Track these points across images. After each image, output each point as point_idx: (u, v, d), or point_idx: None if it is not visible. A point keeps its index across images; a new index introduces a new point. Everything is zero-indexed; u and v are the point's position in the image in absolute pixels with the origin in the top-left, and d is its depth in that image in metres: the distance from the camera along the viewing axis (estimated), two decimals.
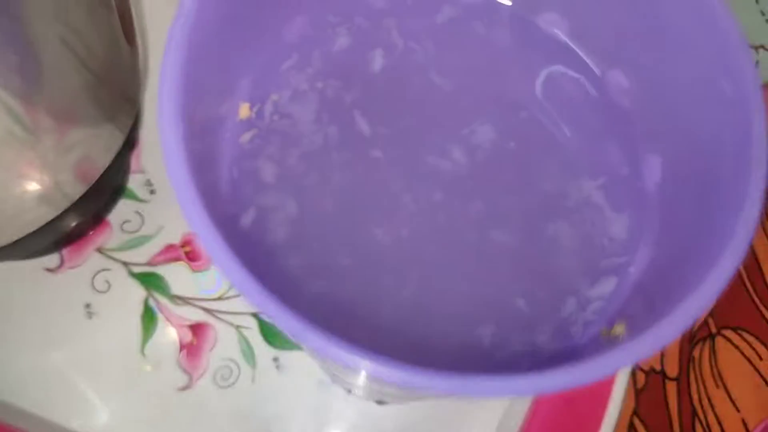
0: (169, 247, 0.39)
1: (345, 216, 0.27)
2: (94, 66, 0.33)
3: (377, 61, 0.29)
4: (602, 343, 0.25)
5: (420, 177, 0.28)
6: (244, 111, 0.27)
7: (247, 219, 0.26)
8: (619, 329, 0.24)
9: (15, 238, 0.33)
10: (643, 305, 0.25)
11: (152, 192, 0.39)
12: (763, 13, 0.40)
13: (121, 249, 0.39)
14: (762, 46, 0.40)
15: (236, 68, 0.27)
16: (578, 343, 0.26)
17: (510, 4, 0.30)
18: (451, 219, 0.27)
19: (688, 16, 0.25)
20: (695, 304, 0.22)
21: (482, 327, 0.26)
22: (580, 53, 0.29)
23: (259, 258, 0.26)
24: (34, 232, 0.34)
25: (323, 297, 0.25)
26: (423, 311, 0.26)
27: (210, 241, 0.20)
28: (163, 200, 0.39)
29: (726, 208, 0.23)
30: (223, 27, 0.24)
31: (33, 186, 0.33)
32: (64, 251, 0.38)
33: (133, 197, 0.39)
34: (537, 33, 0.30)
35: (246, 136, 0.27)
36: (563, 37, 0.29)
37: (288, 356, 0.36)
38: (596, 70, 0.29)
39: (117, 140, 0.36)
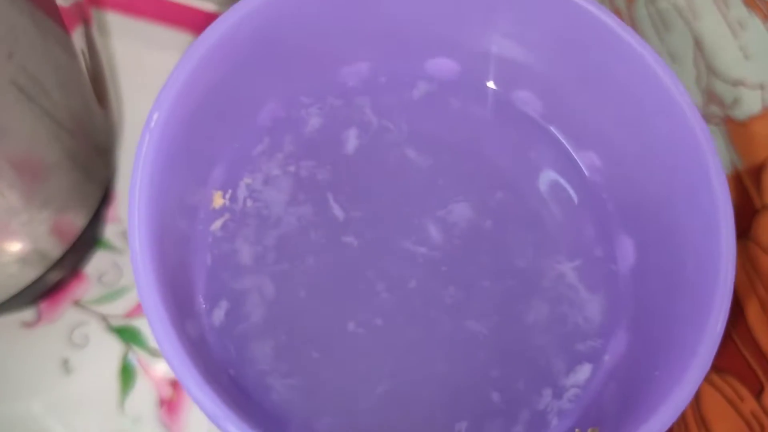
0: None
1: (318, 308, 0.27)
2: (62, 118, 0.33)
3: (351, 141, 0.30)
4: None
5: (394, 263, 0.28)
6: (218, 200, 0.28)
7: (220, 312, 0.27)
8: None
9: None
10: (617, 398, 0.26)
11: None
12: (741, 49, 0.41)
13: (98, 302, 0.39)
14: (741, 82, 0.40)
15: (208, 160, 0.27)
16: None
17: (489, 83, 0.30)
18: (426, 307, 0.28)
19: (657, 114, 0.25)
20: (667, 415, 0.22)
21: (458, 421, 0.26)
22: (555, 132, 0.30)
23: (232, 351, 0.26)
24: (15, 295, 0.34)
25: (295, 393, 0.26)
26: (398, 406, 0.26)
27: (178, 366, 0.20)
28: None
29: (695, 310, 0.24)
30: (195, 127, 0.25)
31: (12, 248, 0.33)
32: (41, 305, 0.38)
33: (110, 248, 0.40)
34: (512, 111, 0.30)
35: (218, 223, 0.28)
36: (537, 117, 0.30)
37: None
38: (570, 150, 0.30)
39: (94, 195, 0.36)
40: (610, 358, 0.27)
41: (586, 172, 0.29)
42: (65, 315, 0.37)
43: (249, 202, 0.28)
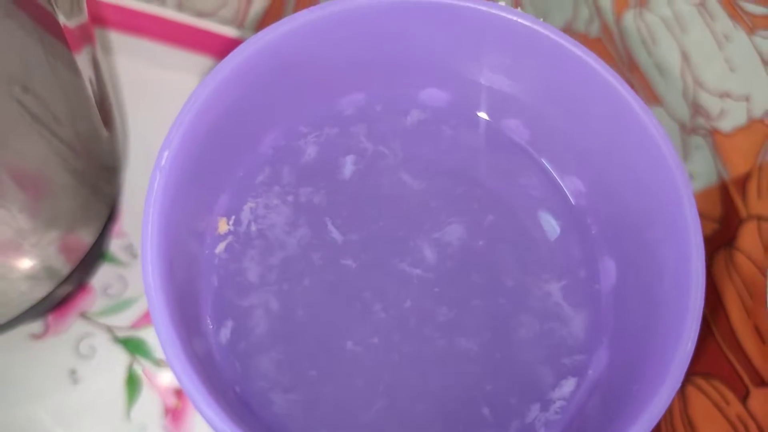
0: None
1: (318, 326, 0.30)
2: (72, 142, 0.35)
3: (348, 167, 0.32)
4: None
5: (390, 284, 0.31)
6: (223, 226, 0.30)
7: (226, 331, 0.29)
8: None
9: (5, 320, 0.36)
10: (600, 409, 0.29)
11: (134, 256, 0.42)
12: (726, 61, 0.43)
13: (104, 313, 0.41)
14: (727, 94, 0.42)
15: (214, 189, 0.30)
16: None
17: (479, 112, 0.33)
18: (420, 326, 0.30)
19: (634, 147, 0.28)
20: (644, 426, 0.25)
21: None
22: (541, 159, 0.33)
23: (237, 368, 0.29)
24: (25, 312, 0.36)
25: (296, 408, 0.29)
26: (394, 421, 0.29)
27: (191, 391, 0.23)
28: None
29: (669, 329, 0.27)
30: (202, 160, 0.27)
31: (23, 267, 0.36)
32: (49, 317, 0.41)
33: (115, 261, 0.42)
34: (502, 138, 0.33)
35: (222, 245, 0.30)
36: (525, 144, 0.33)
37: None
38: (556, 176, 0.32)
39: (101, 213, 0.38)
40: (593, 372, 0.30)
41: (571, 198, 0.32)
42: (72, 327, 0.40)
43: (252, 226, 0.30)
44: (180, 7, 0.42)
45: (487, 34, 0.30)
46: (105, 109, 0.35)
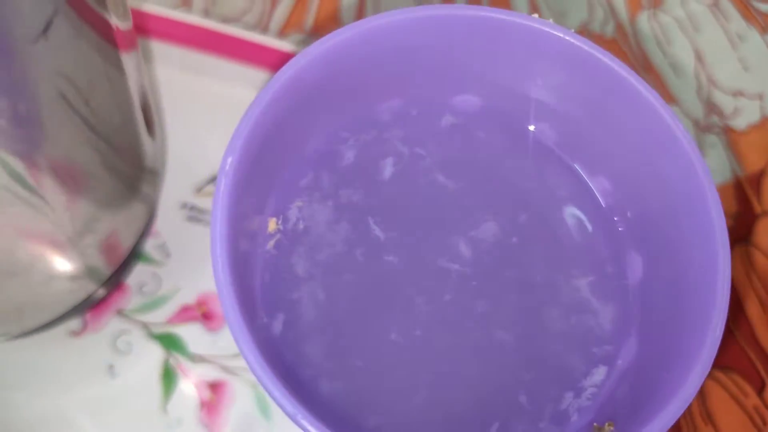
0: (186, 308, 0.45)
1: (363, 319, 0.33)
2: (122, 150, 0.37)
3: (387, 169, 0.36)
4: None
5: (431, 279, 0.34)
6: (272, 225, 0.34)
7: (278, 324, 0.33)
8: (609, 428, 0.32)
9: (50, 318, 0.39)
10: (630, 396, 0.32)
11: (167, 255, 0.46)
12: (740, 61, 0.46)
13: (140, 311, 0.44)
14: (740, 93, 0.45)
15: (266, 191, 0.33)
16: (576, 427, 0.33)
17: (510, 116, 0.37)
18: (459, 318, 0.34)
19: (660, 149, 0.32)
20: (673, 411, 0.29)
21: (491, 422, 0.33)
22: (570, 161, 0.37)
23: (290, 358, 0.33)
24: (70, 309, 0.40)
25: (344, 395, 0.32)
26: (436, 409, 0.33)
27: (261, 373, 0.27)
28: (178, 262, 0.45)
29: (696, 319, 0.30)
30: (258, 164, 0.30)
31: (72, 268, 0.39)
32: (87, 315, 0.44)
33: (150, 260, 0.45)
34: (532, 141, 0.37)
35: (271, 243, 0.34)
36: (554, 147, 0.37)
37: None
38: (585, 177, 0.36)
39: (143, 215, 0.41)
40: (623, 362, 0.33)
41: (600, 197, 0.36)
42: (109, 324, 0.43)
43: (300, 224, 0.34)
44: (206, 13, 0.45)
45: (519, 44, 0.33)
46: (148, 115, 0.38)
